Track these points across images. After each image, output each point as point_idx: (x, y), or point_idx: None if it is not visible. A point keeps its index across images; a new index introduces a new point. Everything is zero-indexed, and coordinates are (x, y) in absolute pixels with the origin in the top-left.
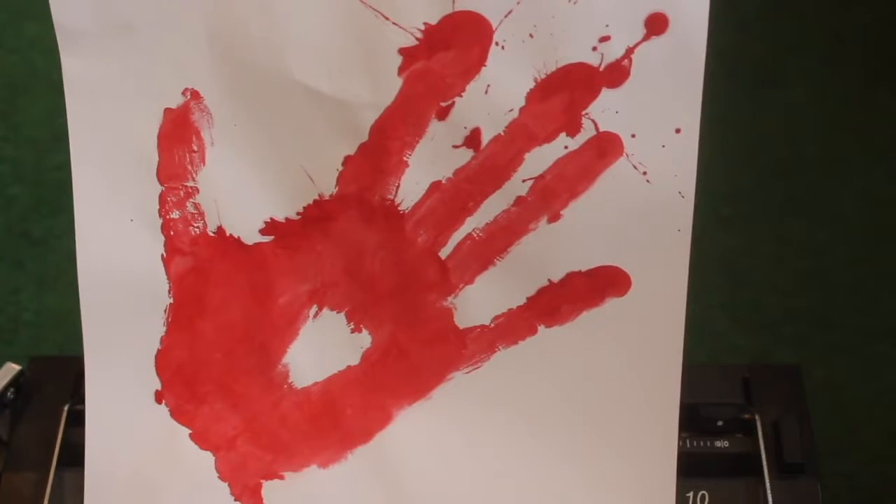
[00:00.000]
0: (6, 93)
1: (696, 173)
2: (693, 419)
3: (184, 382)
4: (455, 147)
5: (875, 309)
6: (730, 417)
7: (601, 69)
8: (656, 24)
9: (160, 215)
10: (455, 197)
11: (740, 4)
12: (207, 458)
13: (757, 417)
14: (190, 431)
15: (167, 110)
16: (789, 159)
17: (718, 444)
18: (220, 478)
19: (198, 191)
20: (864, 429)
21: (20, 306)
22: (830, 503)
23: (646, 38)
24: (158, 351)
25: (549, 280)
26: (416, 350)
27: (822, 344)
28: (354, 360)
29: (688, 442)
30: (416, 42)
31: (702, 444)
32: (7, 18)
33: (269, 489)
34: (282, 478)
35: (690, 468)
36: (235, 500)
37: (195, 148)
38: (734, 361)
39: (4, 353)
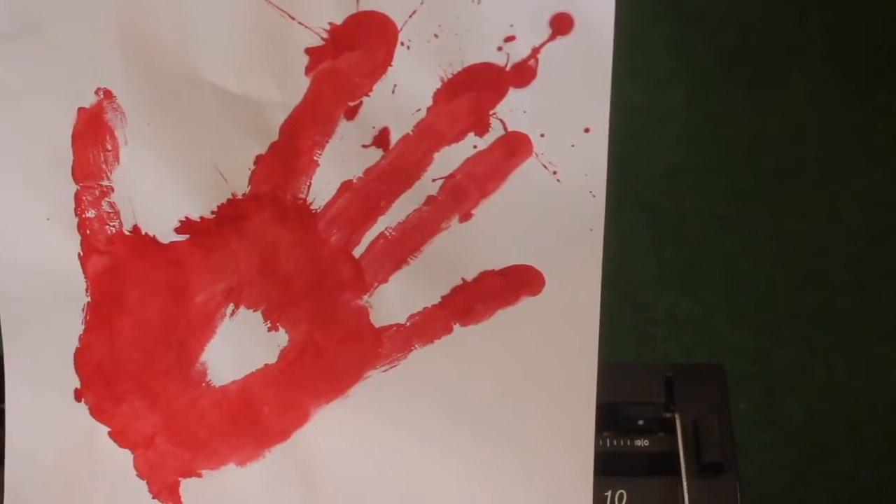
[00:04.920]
0: None
1: (608, 172)
2: (614, 418)
3: (102, 381)
4: (364, 146)
5: (875, 309)
6: (650, 416)
7: (507, 69)
8: (561, 24)
9: (76, 214)
10: (366, 196)
11: (740, 4)
12: (126, 456)
13: (677, 416)
14: (109, 429)
15: (81, 110)
16: (789, 159)
17: (639, 443)
18: (138, 476)
19: (113, 190)
20: (864, 429)
21: None
22: (830, 503)
23: (551, 38)
24: (77, 349)
25: (462, 279)
26: (333, 349)
27: (822, 344)
28: (272, 359)
29: (608, 441)
30: (323, 42)
31: (622, 442)
32: None
33: (187, 487)
34: (200, 476)
35: (610, 467)
36: (154, 497)
37: (109, 147)
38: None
39: None
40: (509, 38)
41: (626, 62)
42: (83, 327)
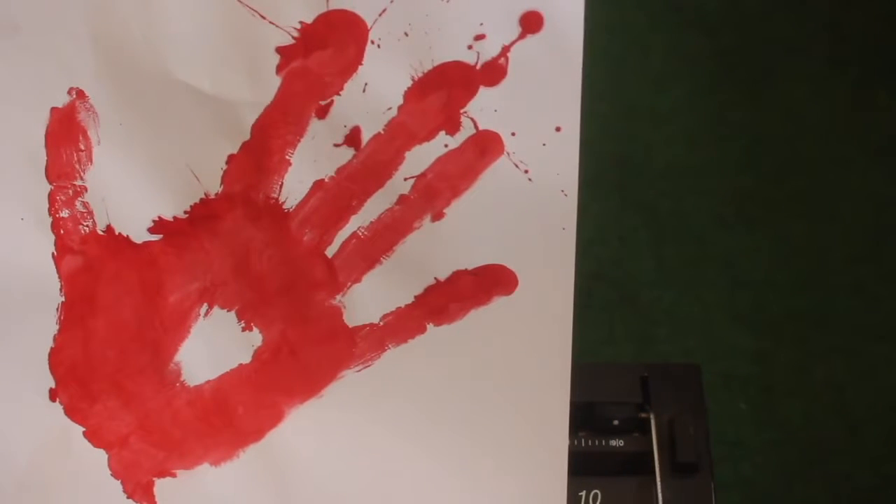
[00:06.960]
0: None
1: (580, 171)
2: (589, 418)
3: (77, 380)
4: (336, 145)
5: (875, 309)
6: (626, 416)
7: (477, 67)
8: (531, 23)
9: (50, 214)
10: (338, 195)
11: (740, 4)
12: (101, 455)
13: (651, 416)
14: (84, 429)
15: (54, 109)
16: (789, 159)
17: (614, 442)
18: (112, 475)
19: (86, 189)
20: (864, 429)
21: None
22: (831, 503)
23: (521, 36)
24: (51, 349)
25: (435, 279)
26: (307, 348)
27: (823, 344)
28: (246, 359)
29: (584, 441)
30: (293, 41)
31: (597, 442)
32: None
33: (162, 487)
34: (174, 476)
35: (585, 467)
36: (128, 497)
37: (82, 147)
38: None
39: None
40: (479, 37)
41: (626, 62)
42: (57, 327)
